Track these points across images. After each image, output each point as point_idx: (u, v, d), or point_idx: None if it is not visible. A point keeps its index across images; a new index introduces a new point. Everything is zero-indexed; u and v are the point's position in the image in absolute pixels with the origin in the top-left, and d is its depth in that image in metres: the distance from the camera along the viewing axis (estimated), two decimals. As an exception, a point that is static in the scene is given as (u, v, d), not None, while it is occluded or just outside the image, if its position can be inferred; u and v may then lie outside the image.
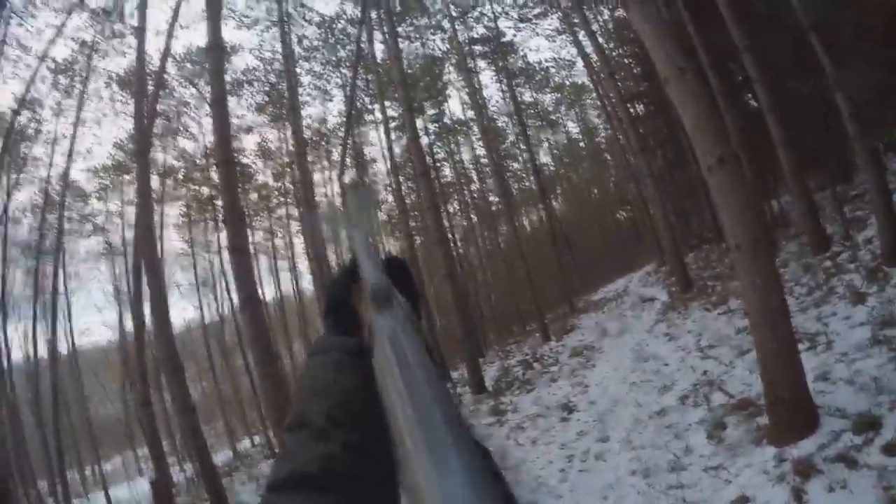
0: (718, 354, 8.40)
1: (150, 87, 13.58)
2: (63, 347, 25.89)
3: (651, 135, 20.34)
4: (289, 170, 26.93)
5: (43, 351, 22.53)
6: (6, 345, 20.57)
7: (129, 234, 23.31)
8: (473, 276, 29.89)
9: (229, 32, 21.39)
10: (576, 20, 21.51)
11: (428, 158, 22.29)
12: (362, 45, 21.37)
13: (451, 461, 0.29)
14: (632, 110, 20.59)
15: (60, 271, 22.92)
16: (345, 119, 23.26)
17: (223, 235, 24.56)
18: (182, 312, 35.59)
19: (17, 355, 22.83)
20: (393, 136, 23.29)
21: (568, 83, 33.00)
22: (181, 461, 24.95)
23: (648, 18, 5.33)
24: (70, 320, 26.09)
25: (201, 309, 31.19)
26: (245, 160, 26.12)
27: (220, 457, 28.62)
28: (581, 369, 12.41)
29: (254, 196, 28.24)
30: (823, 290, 8.74)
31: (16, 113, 16.61)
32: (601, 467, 6.51)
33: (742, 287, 5.28)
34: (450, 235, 23.44)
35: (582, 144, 40.67)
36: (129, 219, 23.72)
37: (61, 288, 23.32)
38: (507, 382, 13.80)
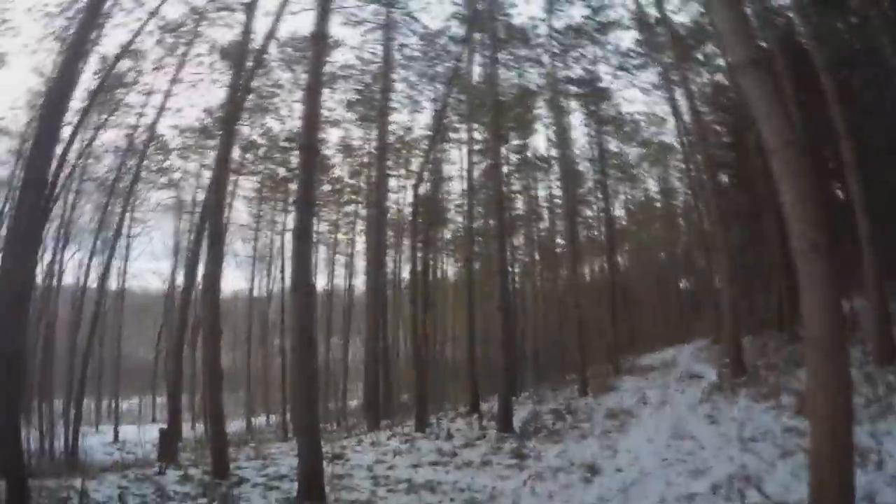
0: (760, 450, 7.84)
1: (249, 64, 13.82)
2: (112, 285, 27.26)
3: (731, 208, 19.64)
4: (365, 170, 27.15)
5: (93, 283, 23.35)
6: (60, 267, 21.50)
7: (200, 196, 24.02)
8: (524, 314, 29.38)
9: (335, 27, 21.75)
10: (675, 78, 21.09)
11: (504, 188, 22.04)
12: (460, 64, 21.46)
13: None
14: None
15: (128, 214, 23.89)
16: (431, 133, 23.29)
17: (290, 218, 24.97)
18: (232, 282, 35.96)
19: (68, 281, 24.07)
20: (475, 158, 23.13)
21: (656, 140, 32.50)
22: (195, 419, 25.29)
23: (761, 85, 4.98)
24: (126, 261, 27.81)
25: (252, 282, 31.82)
26: (326, 151, 26.46)
27: (234, 426, 29.02)
28: (614, 432, 11.83)
29: (327, 187, 28.55)
30: (882, 404, 8.12)
31: (117, 58, 17.16)
32: (616, 541, 6.05)
33: (809, 383, 4.78)
34: (510, 268, 23.11)
35: (658, 204, 39.89)
36: (204, 182, 24.44)
37: (125, 230, 24.29)
38: (535, 427, 13.31)
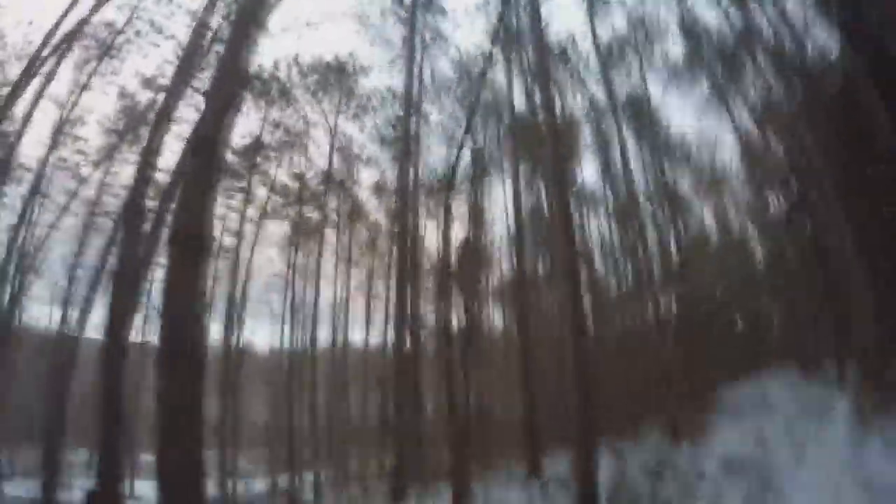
0: None
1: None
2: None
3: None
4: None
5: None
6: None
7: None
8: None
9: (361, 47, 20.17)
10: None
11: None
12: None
13: None
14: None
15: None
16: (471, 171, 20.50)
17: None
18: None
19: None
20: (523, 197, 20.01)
21: (708, 167, 29.52)
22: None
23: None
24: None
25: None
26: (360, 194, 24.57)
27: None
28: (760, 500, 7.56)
29: (364, 233, 26.01)
30: None
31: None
32: None
33: None
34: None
35: (713, 238, 36.48)
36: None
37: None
38: (630, 499, 8.80)
